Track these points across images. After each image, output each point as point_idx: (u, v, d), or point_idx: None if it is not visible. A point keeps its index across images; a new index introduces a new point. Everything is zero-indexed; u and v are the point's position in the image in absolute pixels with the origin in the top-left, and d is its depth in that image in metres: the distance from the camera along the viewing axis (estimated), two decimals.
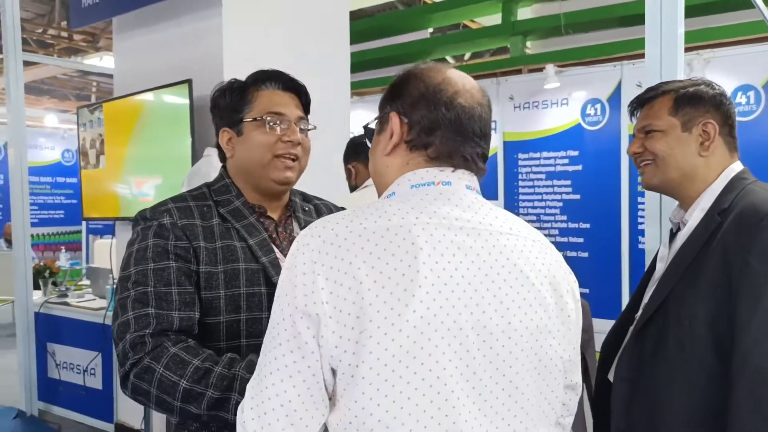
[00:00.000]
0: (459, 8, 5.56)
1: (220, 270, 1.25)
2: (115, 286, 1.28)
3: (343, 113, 3.73)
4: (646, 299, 1.34)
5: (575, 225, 4.79)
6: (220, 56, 3.08)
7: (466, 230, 0.87)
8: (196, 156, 2.96)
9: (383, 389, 0.78)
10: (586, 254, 4.76)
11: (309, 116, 1.44)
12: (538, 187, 4.88)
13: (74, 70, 9.60)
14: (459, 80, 0.95)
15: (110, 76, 8.42)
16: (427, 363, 0.79)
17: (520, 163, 4.99)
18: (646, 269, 1.47)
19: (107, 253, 6.77)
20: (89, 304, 4.09)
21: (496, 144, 5.02)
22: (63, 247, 6.89)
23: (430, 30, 6.00)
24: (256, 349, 0.94)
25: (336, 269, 0.81)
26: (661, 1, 1.72)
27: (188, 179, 2.46)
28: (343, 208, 1.55)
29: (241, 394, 1.04)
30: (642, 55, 4.49)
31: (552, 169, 4.84)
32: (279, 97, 1.36)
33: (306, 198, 1.53)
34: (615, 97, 4.59)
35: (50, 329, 4.16)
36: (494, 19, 5.65)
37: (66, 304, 4.15)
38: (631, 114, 1.42)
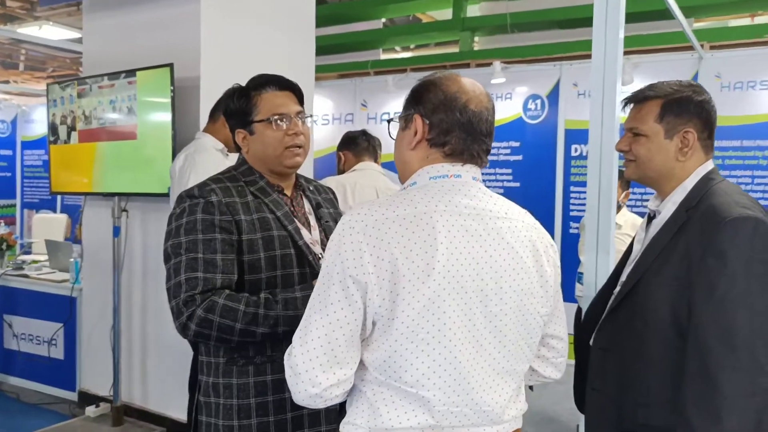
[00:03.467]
0: (413, 1, 5.84)
1: (258, 237, 1.53)
2: (164, 252, 1.51)
3: (307, 97, 3.96)
4: (623, 277, 1.53)
5: None
6: (197, 41, 3.24)
7: (472, 216, 1.13)
8: (177, 135, 3.13)
9: (410, 336, 1.07)
10: None
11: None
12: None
13: (6, 38, 9.21)
14: (470, 89, 1.20)
15: (46, 46, 8.15)
16: (441, 318, 1.08)
17: None
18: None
19: (48, 228, 6.70)
20: (50, 277, 4.15)
21: None
22: (2, 221, 6.74)
23: (383, 20, 6.24)
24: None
25: (378, 247, 1.06)
26: (607, 9, 2.00)
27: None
28: (329, 188, 1.89)
29: (286, 325, 1.41)
30: (579, 57, 4.91)
31: (495, 158, 5.24)
32: (279, 99, 1.62)
33: (306, 180, 1.83)
34: (554, 94, 5.01)
35: (8, 301, 4.20)
36: (444, 14, 5.96)
37: (25, 276, 4.20)
38: (623, 107, 1.57)
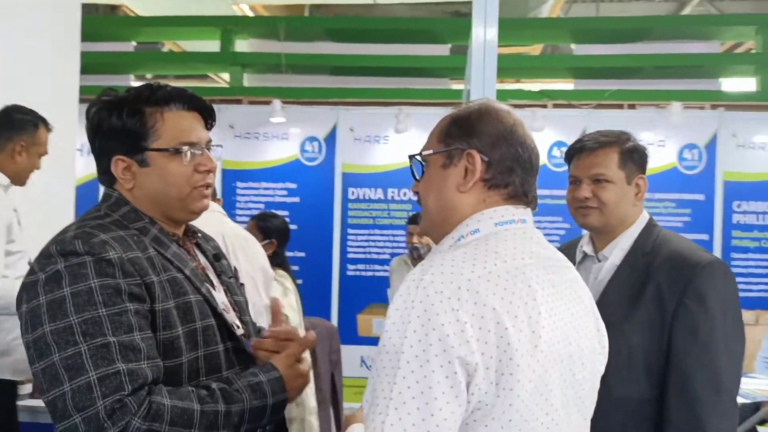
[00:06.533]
0: (174, 27, 5.36)
1: (172, 305, 1.12)
2: (36, 342, 1.02)
3: (70, 115, 3.40)
4: None
5: (291, 253, 5.02)
6: None
7: (551, 268, 0.97)
8: None
9: (520, 425, 0.87)
10: (300, 281, 5.04)
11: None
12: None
13: None
14: (521, 121, 1.04)
15: None
16: (548, 398, 0.90)
17: (239, 191, 5.04)
18: None
19: None
20: None
21: None
22: None
23: (134, 43, 5.58)
24: None
25: (479, 315, 0.84)
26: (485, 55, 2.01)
27: None
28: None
29: (251, 422, 1.09)
30: (355, 103, 5.01)
31: (271, 199, 5.03)
32: (188, 122, 1.23)
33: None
34: (331, 137, 5.04)
35: None
36: (205, 45, 5.61)
37: None
38: (568, 159, 1.53)
